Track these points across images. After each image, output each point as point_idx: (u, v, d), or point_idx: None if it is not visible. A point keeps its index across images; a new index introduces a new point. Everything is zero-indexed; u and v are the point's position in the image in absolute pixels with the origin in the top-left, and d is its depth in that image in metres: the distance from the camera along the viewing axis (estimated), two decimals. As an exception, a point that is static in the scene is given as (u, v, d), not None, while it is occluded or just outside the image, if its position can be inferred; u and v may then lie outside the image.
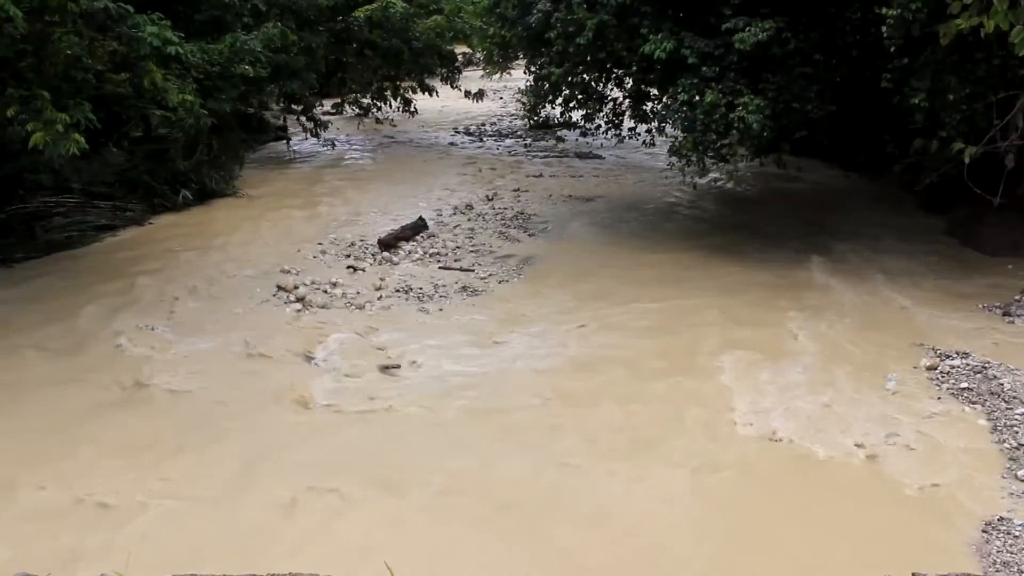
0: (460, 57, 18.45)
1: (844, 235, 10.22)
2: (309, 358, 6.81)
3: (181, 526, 4.60)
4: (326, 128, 16.11)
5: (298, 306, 7.97)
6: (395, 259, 9.55)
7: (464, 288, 8.58)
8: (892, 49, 7.76)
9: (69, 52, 7.85)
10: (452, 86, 17.79)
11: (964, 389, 6.16)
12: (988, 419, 5.73)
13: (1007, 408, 5.85)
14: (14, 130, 7.49)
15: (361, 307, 8.00)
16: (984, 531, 4.53)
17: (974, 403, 5.96)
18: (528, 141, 17.59)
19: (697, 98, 8.69)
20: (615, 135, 12.29)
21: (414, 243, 10.11)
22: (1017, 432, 5.52)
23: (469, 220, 11.25)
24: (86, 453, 5.32)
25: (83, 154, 7.56)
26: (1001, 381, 6.23)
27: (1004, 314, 7.69)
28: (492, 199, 12.41)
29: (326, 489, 4.95)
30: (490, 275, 9.01)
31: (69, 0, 7.35)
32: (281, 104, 16.01)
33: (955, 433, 5.56)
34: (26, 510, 4.75)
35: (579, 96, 10.91)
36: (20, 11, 6.77)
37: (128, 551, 4.33)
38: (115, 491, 4.88)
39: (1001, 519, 4.63)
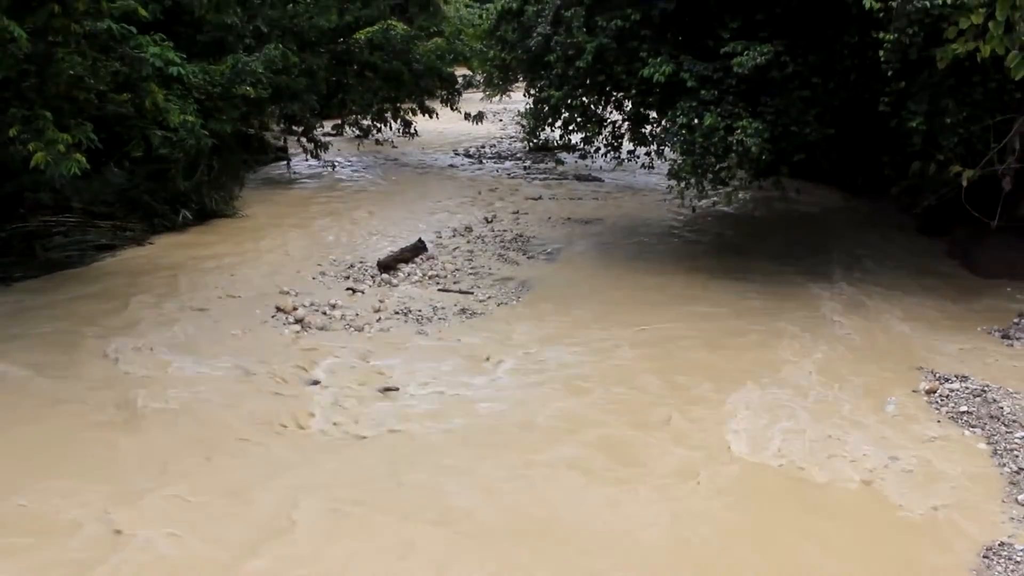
0: (460, 79, 18.54)
1: (843, 257, 10.24)
2: (307, 380, 6.78)
3: (176, 550, 4.54)
4: (326, 149, 16.17)
5: (297, 328, 7.95)
6: (394, 281, 9.55)
7: (463, 310, 8.57)
8: (889, 73, 7.82)
9: (72, 72, 7.90)
10: (452, 108, 17.88)
11: (964, 413, 6.15)
12: (988, 443, 5.71)
13: (1007, 432, 5.83)
14: (16, 149, 7.52)
15: (360, 329, 7.99)
16: (985, 556, 4.50)
17: (974, 427, 5.94)
18: (527, 163, 17.64)
19: (696, 121, 8.73)
20: (614, 158, 12.31)
21: (413, 265, 10.12)
22: (1017, 456, 5.50)
23: (468, 242, 11.26)
24: (79, 476, 5.25)
25: (84, 174, 7.59)
26: (1001, 404, 6.22)
27: (1003, 337, 7.69)
28: (491, 221, 12.43)
29: (323, 512, 4.90)
30: (489, 298, 9.00)
31: (72, 21, 7.40)
32: (282, 125, 16.08)
33: (955, 457, 5.53)
34: (16, 534, 4.68)
35: (578, 119, 10.95)
36: (24, 31, 6.81)
37: None
38: (108, 515, 4.82)
39: (1002, 544, 4.59)
